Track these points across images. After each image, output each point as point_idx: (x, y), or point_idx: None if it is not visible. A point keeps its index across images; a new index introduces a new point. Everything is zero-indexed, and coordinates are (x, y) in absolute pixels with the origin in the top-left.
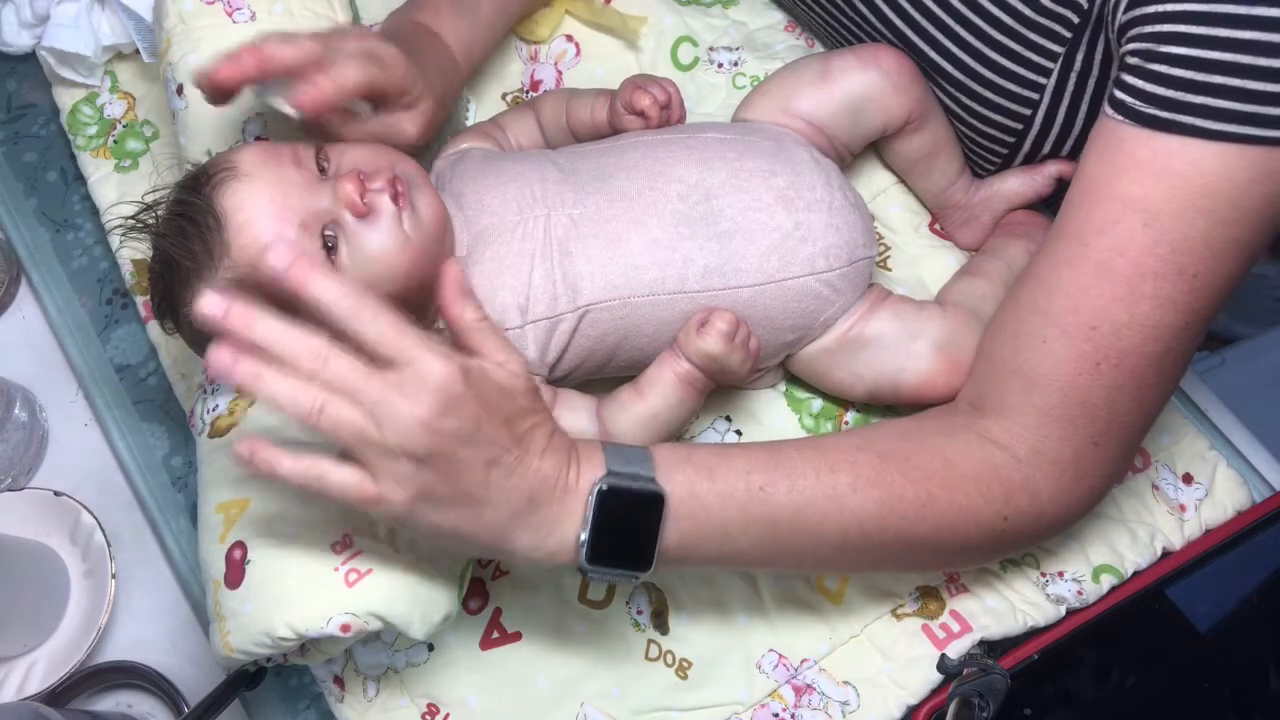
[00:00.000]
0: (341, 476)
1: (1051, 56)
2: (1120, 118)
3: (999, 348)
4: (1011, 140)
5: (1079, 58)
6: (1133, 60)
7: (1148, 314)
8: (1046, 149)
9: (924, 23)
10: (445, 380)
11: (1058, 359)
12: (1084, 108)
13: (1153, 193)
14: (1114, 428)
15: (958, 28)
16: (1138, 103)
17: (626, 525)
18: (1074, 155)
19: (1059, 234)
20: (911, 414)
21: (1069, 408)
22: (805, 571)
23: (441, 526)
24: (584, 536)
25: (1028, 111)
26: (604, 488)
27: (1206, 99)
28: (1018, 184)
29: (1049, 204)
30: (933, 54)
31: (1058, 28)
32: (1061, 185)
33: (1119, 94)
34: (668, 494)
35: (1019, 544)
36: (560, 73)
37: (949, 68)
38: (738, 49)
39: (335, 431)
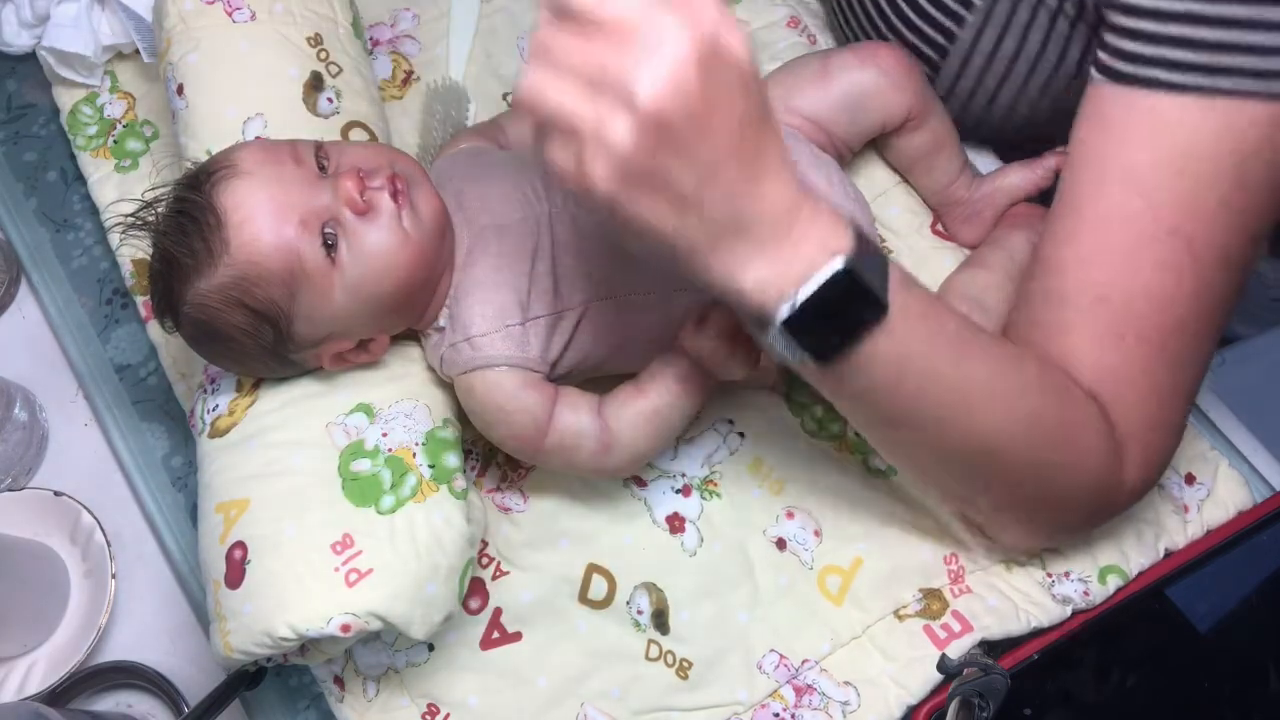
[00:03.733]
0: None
1: None
2: (1100, 77)
3: (1029, 338)
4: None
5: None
6: (1108, 15)
7: (1150, 281)
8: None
9: None
10: (702, 39)
11: (1083, 338)
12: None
13: (1131, 153)
14: (1163, 408)
15: None
16: (1111, 59)
17: (838, 311)
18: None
19: (1057, 210)
20: None
21: (1113, 385)
22: (923, 454)
23: (639, 222)
24: (799, 295)
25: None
26: (845, 267)
27: (1164, 50)
28: (1018, 178)
29: (1049, 198)
30: None
31: None
32: None
33: (1100, 53)
34: (891, 310)
35: (1096, 509)
36: None
37: None
38: None
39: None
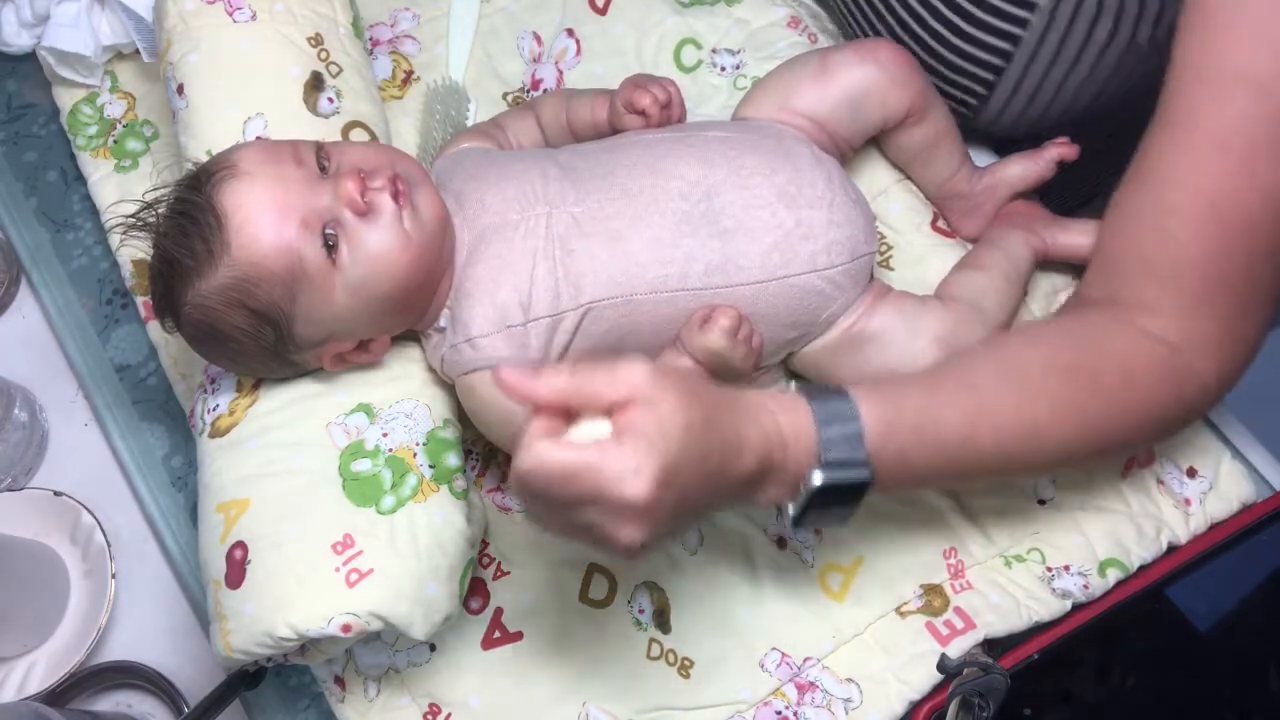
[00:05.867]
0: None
1: None
2: None
3: (1121, 245)
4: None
5: None
6: None
7: (1266, 180)
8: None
9: None
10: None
11: (1186, 245)
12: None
13: (1260, 63)
14: (1259, 293)
15: None
16: None
17: (835, 502)
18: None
19: (1163, 121)
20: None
21: (1208, 289)
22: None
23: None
24: (791, 511)
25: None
26: (818, 485)
27: None
28: (1020, 170)
29: (1047, 193)
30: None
31: None
32: (1062, 169)
33: None
34: (876, 471)
35: (1188, 423)
36: (561, 72)
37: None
38: (739, 52)
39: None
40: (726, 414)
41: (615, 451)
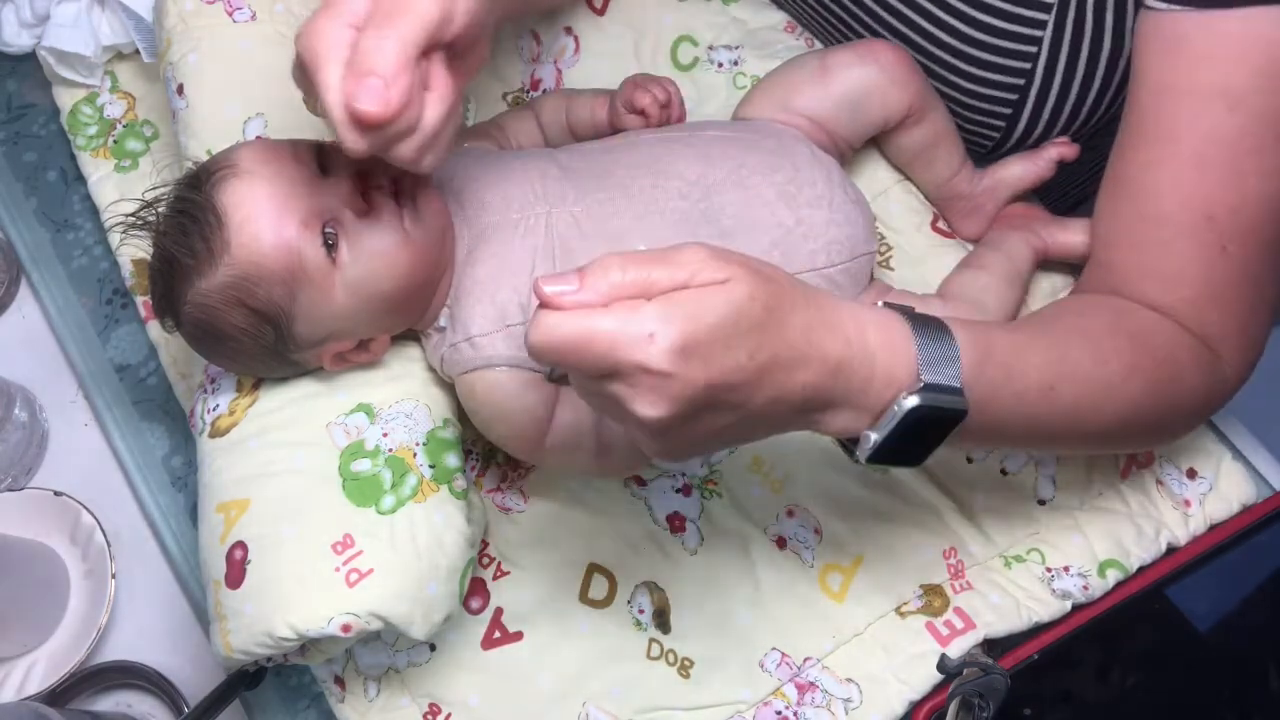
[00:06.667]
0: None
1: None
2: (1177, 7)
3: (1121, 259)
4: (1015, 96)
5: None
6: None
7: (1257, 189)
8: (1055, 91)
9: None
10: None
11: (1186, 256)
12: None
13: (1230, 77)
14: (1261, 290)
15: None
16: None
17: (919, 435)
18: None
19: (1140, 137)
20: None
21: (1213, 291)
22: (1048, 452)
23: (710, 449)
24: (875, 439)
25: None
26: (914, 405)
27: None
28: (1020, 170)
29: (1046, 193)
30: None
31: None
32: (1063, 168)
33: None
34: (969, 410)
35: (1213, 410)
36: (560, 72)
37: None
38: (737, 48)
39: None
40: (802, 312)
41: (634, 315)
